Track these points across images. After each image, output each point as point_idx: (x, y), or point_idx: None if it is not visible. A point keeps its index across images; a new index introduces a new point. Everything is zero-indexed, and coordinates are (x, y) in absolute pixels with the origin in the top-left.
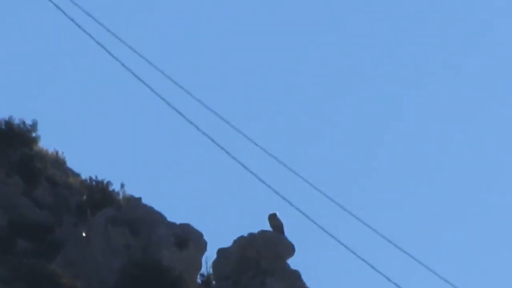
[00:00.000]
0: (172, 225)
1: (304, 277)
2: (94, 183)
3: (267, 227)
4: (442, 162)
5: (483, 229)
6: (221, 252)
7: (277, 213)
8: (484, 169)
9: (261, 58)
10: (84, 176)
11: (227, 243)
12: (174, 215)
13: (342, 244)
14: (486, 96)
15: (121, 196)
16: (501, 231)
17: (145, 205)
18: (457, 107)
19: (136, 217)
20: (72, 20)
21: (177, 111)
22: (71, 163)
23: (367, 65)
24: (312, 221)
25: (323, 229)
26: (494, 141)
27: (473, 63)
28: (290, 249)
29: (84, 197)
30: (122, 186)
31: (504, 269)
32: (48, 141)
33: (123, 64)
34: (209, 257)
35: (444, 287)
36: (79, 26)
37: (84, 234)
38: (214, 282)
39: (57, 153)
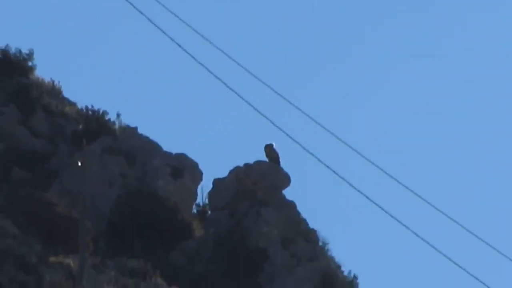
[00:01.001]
0: (168, 155)
1: (300, 208)
2: (90, 112)
3: (263, 157)
4: (435, 92)
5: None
6: (216, 182)
7: (274, 144)
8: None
9: None
10: (80, 105)
11: (223, 173)
12: (170, 145)
13: (338, 175)
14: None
15: (117, 126)
16: (497, 165)
17: (141, 135)
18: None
19: (132, 147)
20: None
21: (175, 41)
22: (67, 92)
23: None
24: (308, 152)
25: (319, 160)
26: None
27: None
28: (286, 180)
29: (80, 126)
30: (118, 115)
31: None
32: (45, 70)
33: None
34: (204, 187)
35: (442, 219)
36: None
37: (79, 163)
38: (209, 212)
39: (53, 82)
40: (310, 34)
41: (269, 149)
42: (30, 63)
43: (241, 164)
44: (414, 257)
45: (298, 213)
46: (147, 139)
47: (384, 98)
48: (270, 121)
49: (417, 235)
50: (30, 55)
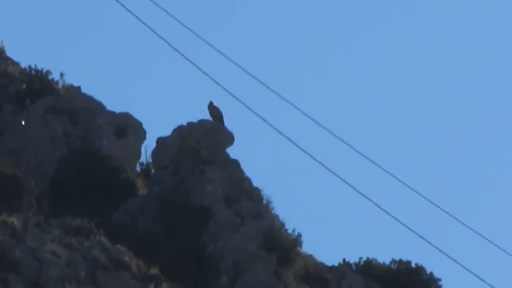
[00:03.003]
0: (112, 114)
1: (243, 166)
2: (33, 72)
3: (207, 116)
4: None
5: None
6: (160, 141)
7: (213, 102)
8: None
9: None
10: (24, 65)
11: (167, 132)
12: (114, 104)
13: (281, 133)
14: None
15: (60, 85)
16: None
17: (84, 94)
18: None
19: (75, 106)
20: None
21: (118, 1)
22: (10, 52)
23: None
24: (252, 110)
25: (262, 119)
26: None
27: None
28: (229, 139)
29: (24, 86)
30: (62, 75)
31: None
32: None
33: None
34: (148, 146)
35: (385, 177)
36: None
37: (23, 123)
38: (153, 171)
39: None
40: None
41: (213, 108)
42: None
43: (185, 123)
44: (358, 214)
45: (242, 172)
46: (90, 99)
47: (329, 63)
48: (214, 80)
49: (360, 192)
50: None
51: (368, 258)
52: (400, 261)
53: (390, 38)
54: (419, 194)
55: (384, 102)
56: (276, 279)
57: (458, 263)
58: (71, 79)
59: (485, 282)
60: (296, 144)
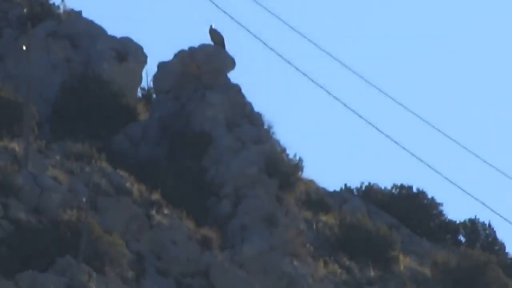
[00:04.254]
0: (112, 38)
1: (244, 91)
2: None
3: (209, 41)
4: None
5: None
6: (161, 66)
7: (213, 25)
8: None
9: None
10: None
11: (168, 57)
12: (115, 29)
13: (283, 57)
14: None
15: (61, 10)
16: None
17: (85, 19)
18: None
19: (76, 31)
20: None
21: None
22: None
23: None
24: (253, 34)
25: (264, 43)
26: None
27: None
28: (230, 63)
29: (25, 10)
30: None
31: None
32: None
33: None
34: (149, 70)
35: (387, 101)
36: None
37: (24, 47)
38: (154, 96)
39: None
40: None
41: (214, 32)
42: None
43: (186, 48)
44: (359, 139)
45: (243, 96)
46: (91, 23)
47: None
48: (215, 3)
49: (361, 117)
50: None
51: (369, 183)
52: (402, 186)
53: None
54: (421, 118)
55: (386, 27)
56: (277, 204)
57: (459, 187)
58: (72, 3)
59: (486, 206)
60: (297, 68)
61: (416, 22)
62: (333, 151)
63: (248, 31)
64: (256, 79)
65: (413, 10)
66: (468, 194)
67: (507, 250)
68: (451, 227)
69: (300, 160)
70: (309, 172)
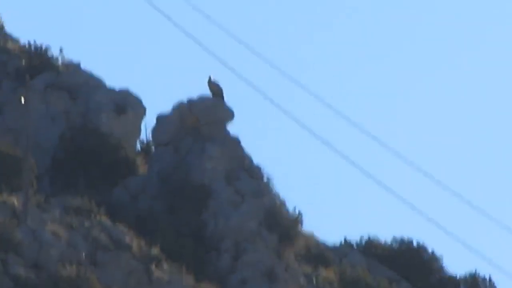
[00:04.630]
0: (111, 90)
1: (243, 143)
2: (32, 48)
3: (207, 92)
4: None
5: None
6: (160, 118)
7: (212, 77)
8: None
9: None
10: (23, 41)
11: (167, 109)
12: (113, 81)
13: (282, 109)
14: None
15: (60, 61)
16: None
17: (84, 70)
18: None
19: (75, 82)
20: None
21: None
22: (9, 28)
23: None
24: (252, 85)
25: (264, 95)
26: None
27: None
28: (229, 115)
29: (23, 62)
30: (61, 51)
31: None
32: None
33: None
34: (148, 123)
35: (387, 155)
36: None
37: (22, 99)
38: (153, 148)
39: None
40: None
41: (212, 84)
42: None
43: (185, 99)
44: (359, 192)
45: (242, 149)
46: (90, 75)
47: (331, 39)
48: (214, 55)
49: (361, 169)
50: None
51: (369, 237)
52: (402, 240)
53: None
54: (422, 172)
55: (385, 75)
56: (277, 259)
57: (459, 240)
58: (71, 55)
59: (487, 259)
60: (296, 120)
61: (418, 77)
62: (333, 204)
63: (247, 82)
64: (255, 131)
65: (415, 69)
66: (469, 247)
67: None
68: (452, 282)
69: (300, 213)
70: (309, 225)
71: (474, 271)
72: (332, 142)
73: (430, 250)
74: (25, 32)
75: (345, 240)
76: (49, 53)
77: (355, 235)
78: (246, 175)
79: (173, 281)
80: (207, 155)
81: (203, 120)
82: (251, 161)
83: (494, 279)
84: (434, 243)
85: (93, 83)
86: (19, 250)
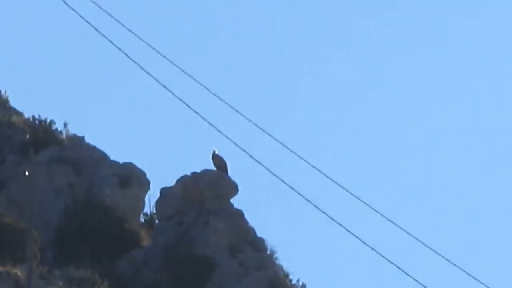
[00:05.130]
0: (115, 164)
1: (247, 216)
2: (37, 122)
3: (211, 166)
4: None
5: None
6: (164, 191)
7: (216, 151)
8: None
9: None
10: (27, 115)
11: (170, 182)
12: (117, 154)
13: (286, 183)
14: None
15: (64, 135)
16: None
17: (88, 144)
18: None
19: (79, 156)
20: None
21: (120, 49)
22: (14, 102)
23: None
24: (255, 160)
25: (267, 169)
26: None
27: None
28: (233, 189)
29: (27, 136)
30: (65, 125)
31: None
32: None
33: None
34: (152, 196)
35: (390, 227)
36: None
37: (27, 173)
38: (157, 222)
39: (0, 92)
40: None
41: (216, 158)
42: None
43: (189, 173)
44: (363, 265)
45: (246, 222)
46: (94, 148)
47: (321, 105)
48: (217, 129)
49: (365, 243)
50: None
51: None
52: None
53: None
54: (426, 245)
55: (389, 149)
56: None
57: None
58: (75, 129)
59: None
60: (300, 194)
61: (425, 148)
62: (337, 277)
63: (251, 156)
64: (259, 204)
65: (427, 138)
66: None
67: None
68: None
69: (303, 286)
70: None
71: None
72: (335, 215)
73: None
74: (29, 107)
75: None
76: (53, 127)
77: None
78: (250, 247)
79: None
80: (211, 228)
81: (207, 194)
82: (254, 233)
83: None
84: None
85: (97, 157)
86: None
